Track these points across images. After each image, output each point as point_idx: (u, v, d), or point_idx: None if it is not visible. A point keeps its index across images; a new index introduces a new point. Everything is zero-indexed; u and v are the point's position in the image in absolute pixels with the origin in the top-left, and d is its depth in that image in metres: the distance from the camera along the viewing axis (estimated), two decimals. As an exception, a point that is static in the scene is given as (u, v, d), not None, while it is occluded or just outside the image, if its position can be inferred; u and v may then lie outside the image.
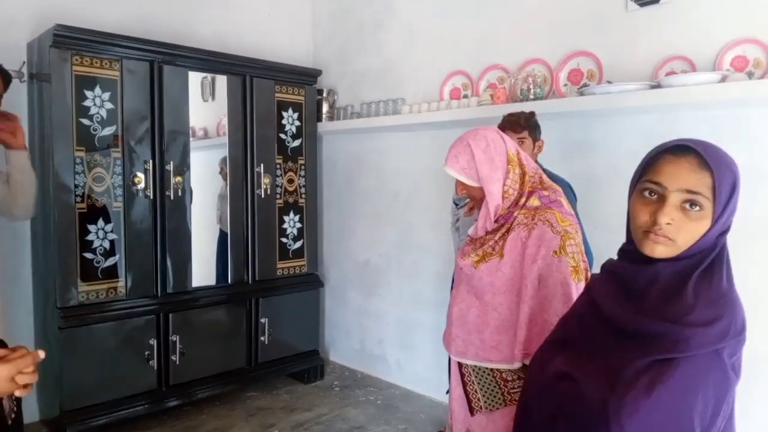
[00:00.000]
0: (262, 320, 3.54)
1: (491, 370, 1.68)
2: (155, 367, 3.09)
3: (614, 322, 1.04)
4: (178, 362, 3.16)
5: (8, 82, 2.24)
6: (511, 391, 1.66)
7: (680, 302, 0.96)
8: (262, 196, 3.56)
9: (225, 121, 3.47)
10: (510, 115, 2.48)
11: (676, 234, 0.98)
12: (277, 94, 3.63)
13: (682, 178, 0.97)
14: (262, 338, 3.54)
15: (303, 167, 3.80)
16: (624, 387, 0.96)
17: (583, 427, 1.02)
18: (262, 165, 3.54)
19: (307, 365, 3.82)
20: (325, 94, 4.09)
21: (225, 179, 3.49)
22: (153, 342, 3.08)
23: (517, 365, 1.63)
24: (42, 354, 1.08)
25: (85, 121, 2.85)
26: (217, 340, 3.38)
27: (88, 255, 2.89)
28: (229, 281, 3.49)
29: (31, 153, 3.03)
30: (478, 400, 1.70)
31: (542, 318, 1.59)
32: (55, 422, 2.90)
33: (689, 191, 0.97)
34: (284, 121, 3.68)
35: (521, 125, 2.40)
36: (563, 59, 2.89)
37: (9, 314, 3.01)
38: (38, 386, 3.02)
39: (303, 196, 3.81)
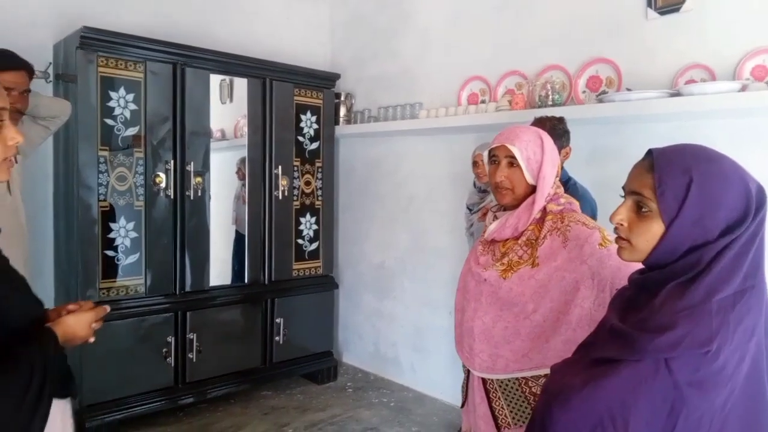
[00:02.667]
0: (278, 320, 3.58)
1: (519, 384, 1.59)
2: (172, 365, 3.14)
3: (611, 329, 1.08)
4: (195, 360, 3.20)
5: (31, 74, 2.34)
6: None
7: (647, 309, 0.97)
8: (280, 197, 3.60)
9: (242, 122, 3.51)
10: (539, 120, 2.37)
11: (629, 234, 1.02)
12: (296, 98, 3.67)
13: (631, 181, 1.03)
14: (277, 338, 3.58)
15: (320, 170, 3.84)
16: (566, 382, 1.01)
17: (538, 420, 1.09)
18: (280, 167, 3.58)
19: (320, 366, 3.85)
20: (342, 98, 4.13)
21: (241, 180, 3.53)
22: (171, 339, 3.12)
23: (546, 371, 1.53)
24: (108, 308, 1.36)
25: (109, 122, 2.91)
26: (233, 339, 3.42)
27: (110, 253, 2.94)
28: (246, 281, 3.53)
29: (56, 152, 3.12)
30: (506, 416, 1.61)
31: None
32: (74, 416, 2.94)
33: (633, 192, 1.01)
34: (302, 124, 3.72)
35: (547, 132, 2.30)
36: (582, 66, 2.89)
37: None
38: (58, 381, 3.07)
39: (319, 198, 3.85)
